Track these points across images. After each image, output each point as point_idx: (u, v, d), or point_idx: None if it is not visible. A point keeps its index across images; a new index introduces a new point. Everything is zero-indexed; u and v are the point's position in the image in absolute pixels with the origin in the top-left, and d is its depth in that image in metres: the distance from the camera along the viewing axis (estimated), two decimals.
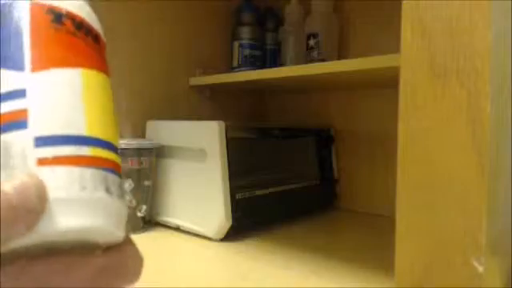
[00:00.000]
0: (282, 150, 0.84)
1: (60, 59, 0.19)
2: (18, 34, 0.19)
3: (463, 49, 0.23)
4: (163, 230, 0.66)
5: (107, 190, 0.18)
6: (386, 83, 0.68)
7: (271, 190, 0.69)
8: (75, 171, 0.17)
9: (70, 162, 0.17)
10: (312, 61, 0.74)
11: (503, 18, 0.23)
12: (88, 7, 0.22)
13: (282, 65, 0.82)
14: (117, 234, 0.19)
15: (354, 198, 0.82)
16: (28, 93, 0.18)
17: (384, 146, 0.78)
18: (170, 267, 0.50)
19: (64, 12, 0.20)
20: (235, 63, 0.85)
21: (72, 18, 0.20)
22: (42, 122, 0.18)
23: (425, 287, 0.24)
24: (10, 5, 0.19)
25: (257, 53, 0.84)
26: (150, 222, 0.67)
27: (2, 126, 0.17)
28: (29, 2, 0.19)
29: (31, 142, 0.17)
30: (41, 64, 0.18)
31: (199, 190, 0.62)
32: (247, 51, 0.83)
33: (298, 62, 0.80)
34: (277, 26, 0.86)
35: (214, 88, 0.85)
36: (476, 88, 0.22)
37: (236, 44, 0.84)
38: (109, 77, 0.21)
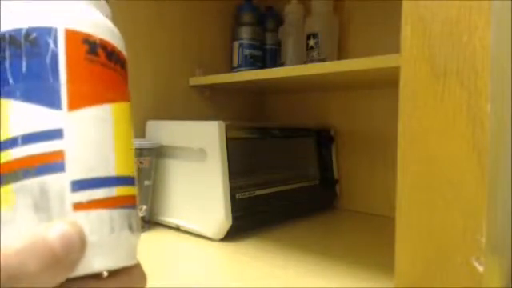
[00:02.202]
0: (282, 150, 0.84)
1: (95, 96, 0.18)
2: (55, 67, 0.18)
3: (463, 49, 0.23)
4: (163, 229, 0.66)
5: (130, 228, 0.19)
6: (386, 83, 0.68)
7: (271, 190, 0.69)
8: (105, 214, 0.18)
9: (101, 206, 0.18)
10: (312, 61, 0.74)
11: (503, 17, 0.23)
12: (113, 27, 0.21)
13: (282, 65, 0.82)
14: (131, 263, 0.19)
15: (353, 198, 0.82)
16: (65, 133, 0.17)
17: (384, 146, 0.78)
18: (169, 267, 0.50)
19: (98, 41, 0.19)
20: (235, 63, 0.85)
21: (104, 46, 0.19)
22: (77, 165, 0.17)
23: (425, 287, 0.24)
24: (45, 31, 0.18)
25: (257, 53, 0.84)
26: (150, 222, 0.67)
27: (39, 167, 0.17)
28: (64, 29, 0.18)
29: (68, 186, 0.17)
30: (77, 102, 0.18)
31: (199, 190, 0.62)
32: (247, 51, 0.83)
33: (298, 61, 0.80)
34: (277, 26, 0.86)
35: (214, 88, 0.85)
36: (476, 88, 0.22)
37: (236, 44, 0.84)
38: (130, 101, 0.21)
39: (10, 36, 0.18)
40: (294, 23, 0.81)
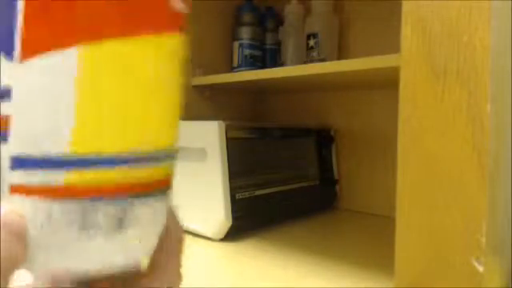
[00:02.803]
0: (282, 150, 0.84)
1: (57, 36, 0.13)
2: (12, 5, 0.14)
3: (463, 49, 0.23)
4: None
5: (84, 227, 0.14)
6: (386, 83, 0.68)
7: (271, 189, 0.69)
8: (40, 207, 0.14)
9: (39, 193, 0.14)
10: (312, 61, 0.74)
11: (503, 18, 0.23)
12: None
13: (282, 65, 0.82)
14: (108, 267, 0.15)
15: (353, 198, 0.82)
16: (13, 92, 0.14)
17: (384, 145, 0.78)
18: None
19: None
20: (235, 63, 0.85)
21: None
22: (21, 135, 0.14)
23: (425, 287, 0.24)
24: None
25: (257, 53, 0.84)
26: None
27: None
28: None
29: (8, 163, 0.14)
30: (32, 48, 0.13)
31: (199, 190, 0.62)
32: (247, 51, 0.83)
33: (298, 61, 0.80)
34: (277, 26, 0.86)
35: (214, 88, 0.85)
36: (476, 88, 0.22)
37: (236, 44, 0.84)
38: (155, 34, 0.15)
39: None
40: (294, 23, 0.81)
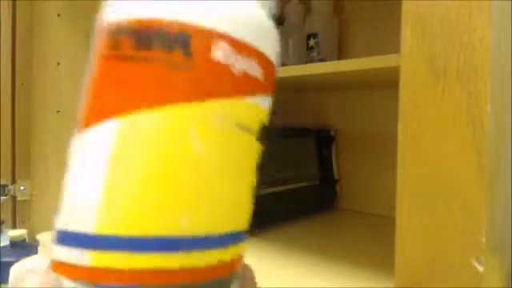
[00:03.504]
0: (282, 150, 0.84)
1: (98, 109, 0.13)
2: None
3: (463, 49, 0.23)
4: None
5: None
6: (386, 83, 0.68)
7: (271, 189, 0.69)
8: (67, 284, 0.12)
9: (63, 272, 0.12)
10: (312, 61, 0.74)
11: (503, 18, 0.23)
12: None
13: (281, 65, 0.82)
14: None
15: (354, 198, 0.82)
16: (69, 165, 0.13)
17: (384, 145, 0.78)
18: None
19: (125, 21, 0.13)
20: None
21: (137, 28, 0.12)
22: (63, 210, 0.13)
23: (425, 287, 0.24)
24: None
25: None
26: None
27: None
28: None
29: (55, 233, 0.13)
30: (84, 120, 0.13)
31: None
32: None
33: (297, 61, 0.80)
34: (277, 25, 0.86)
35: None
36: (476, 88, 0.22)
37: None
38: (202, 101, 0.13)
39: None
40: (294, 23, 0.81)
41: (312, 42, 0.75)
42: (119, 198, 0.12)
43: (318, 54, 0.75)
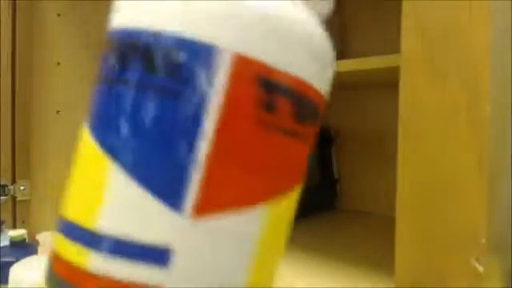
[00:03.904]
0: None
1: (243, 192, 0.10)
2: (196, 128, 0.09)
3: (463, 49, 0.23)
4: None
5: None
6: (386, 83, 0.68)
7: None
8: None
9: None
10: None
11: (503, 17, 0.23)
12: (323, 39, 0.11)
13: None
14: None
15: (354, 198, 0.82)
16: (173, 257, 0.10)
17: (384, 146, 0.78)
18: None
19: (282, 78, 0.10)
20: None
21: (292, 90, 0.10)
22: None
23: (425, 287, 0.24)
24: (197, 50, 0.09)
25: None
26: None
27: None
28: (232, 54, 0.09)
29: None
30: (211, 203, 0.10)
31: None
32: None
33: None
34: None
35: None
36: (476, 88, 0.22)
37: None
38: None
39: (145, 45, 0.09)
40: None
41: None
42: (260, 283, 0.12)
43: None
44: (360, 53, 0.78)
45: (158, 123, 0.09)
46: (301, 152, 0.11)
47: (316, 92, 0.11)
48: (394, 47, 0.32)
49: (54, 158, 0.70)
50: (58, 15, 0.70)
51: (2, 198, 0.66)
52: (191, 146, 0.09)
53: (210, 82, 0.09)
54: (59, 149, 0.71)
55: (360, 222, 0.75)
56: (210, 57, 0.09)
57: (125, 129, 0.09)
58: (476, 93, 0.22)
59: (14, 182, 0.67)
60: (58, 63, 0.70)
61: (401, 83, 0.25)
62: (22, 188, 0.67)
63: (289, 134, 0.10)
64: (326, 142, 0.83)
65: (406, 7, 0.25)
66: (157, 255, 0.10)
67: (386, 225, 0.71)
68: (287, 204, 0.12)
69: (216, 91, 0.09)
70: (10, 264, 0.48)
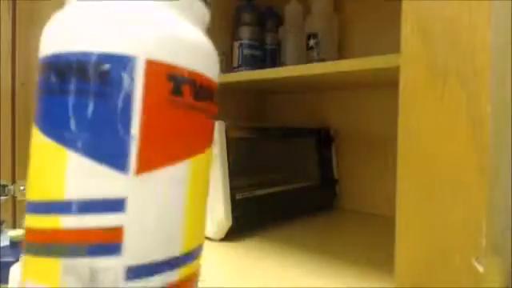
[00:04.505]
0: (282, 150, 0.84)
1: (170, 152, 0.14)
2: (127, 114, 0.14)
3: (463, 49, 0.23)
4: None
5: None
6: (386, 83, 0.68)
7: (271, 190, 0.69)
8: None
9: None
10: (312, 61, 0.74)
11: (503, 18, 0.23)
12: (204, 42, 0.16)
13: (281, 65, 0.82)
14: None
15: (354, 198, 0.82)
16: (128, 205, 0.14)
17: (384, 146, 0.78)
18: None
19: (186, 74, 0.15)
20: (235, 63, 0.85)
21: (193, 80, 0.15)
22: (136, 247, 0.14)
23: (425, 287, 0.24)
24: (121, 61, 0.13)
25: (257, 53, 0.84)
26: None
27: (91, 246, 0.13)
28: (145, 60, 0.14)
29: (123, 273, 0.14)
30: (148, 162, 0.14)
31: None
32: (247, 51, 0.83)
33: (298, 61, 0.80)
34: (277, 26, 0.86)
35: None
36: (476, 88, 0.22)
37: (236, 44, 0.84)
38: (212, 144, 0.17)
39: (79, 63, 0.14)
40: (294, 23, 0.81)
41: (312, 42, 0.75)
42: (193, 223, 0.16)
43: (318, 54, 0.75)
44: (360, 53, 0.78)
45: (98, 115, 0.13)
46: (203, 121, 0.16)
47: (208, 79, 0.16)
48: (394, 47, 0.32)
49: None
50: None
51: (2, 197, 0.66)
52: (126, 127, 0.14)
53: (132, 81, 0.14)
54: None
55: (360, 221, 0.75)
56: (129, 63, 0.14)
57: (73, 125, 0.14)
58: (476, 93, 0.22)
59: (13, 181, 0.67)
60: None
61: (401, 83, 0.25)
62: (21, 188, 0.67)
63: (192, 108, 0.15)
64: (326, 142, 0.83)
65: (406, 7, 0.25)
66: (115, 205, 0.14)
67: (386, 225, 0.71)
68: (204, 159, 0.16)
69: (137, 86, 0.14)
70: (10, 264, 0.48)
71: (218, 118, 0.62)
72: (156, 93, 0.14)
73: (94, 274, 0.13)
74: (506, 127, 0.24)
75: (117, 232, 0.14)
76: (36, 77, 0.78)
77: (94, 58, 0.13)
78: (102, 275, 0.13)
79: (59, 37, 0.14)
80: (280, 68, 0.66)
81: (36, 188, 0.14)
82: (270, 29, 0.86)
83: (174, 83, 0.14)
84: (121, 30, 0.14)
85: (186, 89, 0.15)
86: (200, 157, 0.16)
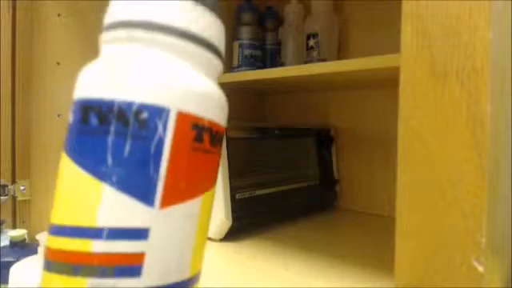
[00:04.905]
0: (282, 150, 0.84)
1: (189, 190, 0.17)
2: (158, 156, 0.16)
3: (463, 49, 0.23)
4: None
5: None
6: (386, 83, 0.68)
7: (271, 189, 0.69)
8: None
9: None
10: (312, 61, 0.74)
11: (503, 18, 0.23)
12: (219, 95, 0.18)
13: (281, 65, 0.82)
14: None
15: (354, 198, 0.82)
16: (150, 234, 0.16)
17: (384, 146, 0.78)
18: None
19: (206, 124, 0.17)
20: (235, 63, 0.85)
21: (211, 129, 0.17)
22: (154, 270, 0.16)
23: (425, 287, 0.24)
24: (156, 111, 0.16)
25: (257, 53, 0.84)
26: None
27: (117, 268, 0.15)
28: (177, 112, 0.16)
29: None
30: (171, 199, 0.16)
31: None
32: (247, 51, 0.83)
33: (297, 61, 0.80)
34: (277, 26, 0.86)
35: None
36: (476, 88, 0.22)
37: (236, 44, 0.84)
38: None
39: (120, 109, 0.16)
40: (294, 23, 0.81)
41: (312, 41, 0.75)
42: (199, 250, 0.18)
43: (318, 54, 0.75)
44: (360, 53, 0.78)
45: (133, 155, 0.16)
46: (215, 162, 0.18)
47: (221, 126, 0.18)
48: (394, 47, 0.32)
49: (54, 158, 0.70)
50: (58, 15, 0.70)
51: (1, 197, 0.66)
52: (157, 167, 0.16)
53: (164, 128, 0.16)
54: (59, 149, 0.71)
55: (360, 221, 0.75)
56: (163, 113, 0.16)
57: (110, 160, 0.16)
58: (476, 93, 0.22)
59: (14, 181, 0.67)
60: (58, 63, 0.70)
61: (401, 83, 0.25)
62: (21, 188, 0.67)
63: (208, 152, 0.17)
64: (326, 142, 0.83)
65: (406, 7, 0.25)
66: (139, 234, 0.15)
67: (386, 225, 0.71)
68: (211, 196, 0.18)
69: (168, 133, 0.16)
70: (10, 264, 0.48)
71: None
72: (183, 139, 0.16)
73: None
74: (506, 127, 0.24)
75: (139, 257, 0.15)
76: (35, 76, 0.78)
77: (135, 107, 0.16)
78: None
79: (101, 82, 0.16)
80: (280, 68, 0.67)
81: (67, 214, 0.16)
82: (270, 29, 0.86)
83: (197, 131, 0.16)
84: (157, 83, 0.16)
85: (206, 136, 0.17)
86: (210, 192, 0.18)
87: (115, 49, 0.18)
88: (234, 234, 0.60)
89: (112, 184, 0.15)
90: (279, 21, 0.86)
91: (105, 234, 0.15)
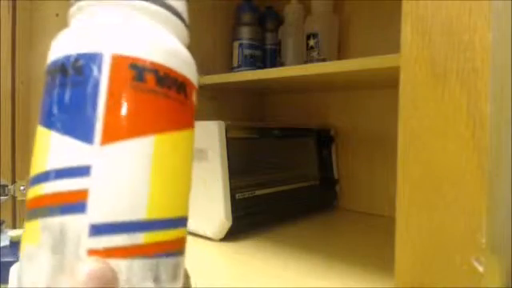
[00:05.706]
0: (282, 150, 0.84)
1: (134, 127, 0.17)
2: (94, 97, 0.17)
3: (463, 49, 0.23)
4: None
5: (156, 280, 0.17)
6: (386, 83, 0.68)
7: (271, 190, 0.69)
8: (122, 264, 0.16)
9: (119, 255, 0.16)
10: (312, 61, 0.74)
11: (503, 18, 0.23)
12: (176, 48, 0.19)
13: (281, 65, 0.82)
14: None
15: (354, 197, 0.82)
16: (92, 170, 0.16)
17: (384, 146, 0.78)
18: None
19: (148, 65, 0.17)
20: (235, 63, 0.85)
21: (156, 70, 0.18)
22: (100, 207, 0.16)
23: (425, 287, 0.24)
24: (91, 57, 0.17)
25: (257, 53, 0.84)
26: None
27: (62, 206, 0.16)
28: (110, 54, 0.17)
29: (86, 230, 0.16)
30: (112, 135, 0.17)
31: (199, 190, 0.62)
32: (247, 51, 0.83)
33: (297, 61, 0.80)
34: (277, 26, 0.86)
35: (214, 88, 0.85)
36: (476, 88, 0.22)
37: (236, 44, 0.84)
38: (191, 128, 0.19)
39: (62, 64, 0.17)
40: (294, 23, 0.81)
41: (312, 41, 0.75)
42: (160, 195, 0.17)
43: (318, 54, 0.75)
44: (360, 53, 0.78)
45: (73, 100, 0.17)
46: (170, 105, 0.18)
47: (173, 71, 0.18)
48: (394, 47, 0.32)
49: None
50: (57, 15, 0.70)
51: (1, 197, 0.66)
52: (94, 106, 0.17)
53: (99, 71, 0.17)
54: None
55: (360, 221, 0.75)
56: (96, 58, 0.17)
57: (55, 110, 0.17)
58: (476, 93, 0.22)
59: (14, 181, 0.67)
60: None
61: (401, 83, 0.25)
62: (21, 188, 0.67)
63: (154, 92, 0.17)
64: (326, 142, 0.83)
65: (406, 7, 0.25)
66: (81, 171, 0.16)
67: (386, 225, 0.71)
68: (176, 139, 0.18)
69: (103, 75, 0.17)
70: (10, 264, 0.48)
71: (217, 118, 0.62)
72: (119, 79, 0.17)
73: (63, 230, 0.16)
74: (506, 127, 0.24)
75: (83, 194, 0.16)
76: (35, 76, 0.78)
77: (72, 58, 0.17)
78: (70, 231, 0.16)
79: (54, 49, 0.18)
80: (280, 68, 0.66)
81: (32, 168, 0.17)
82: (270, 29, 0.86)
83: (137, 71, 0.17)
84: (94, 34, 0.18)
85: (149, 76, 0.17)
86: (168, 135, 0.18)
87: (74, 22, 0.19)
88: (233, 233, 0.60)
89: (57, 130, 0.17)
90: (279, 21, 0.86)
91: (52, 175, 0.16)
